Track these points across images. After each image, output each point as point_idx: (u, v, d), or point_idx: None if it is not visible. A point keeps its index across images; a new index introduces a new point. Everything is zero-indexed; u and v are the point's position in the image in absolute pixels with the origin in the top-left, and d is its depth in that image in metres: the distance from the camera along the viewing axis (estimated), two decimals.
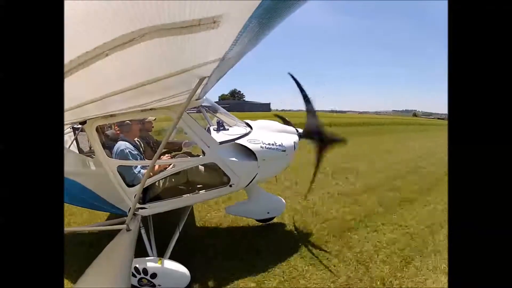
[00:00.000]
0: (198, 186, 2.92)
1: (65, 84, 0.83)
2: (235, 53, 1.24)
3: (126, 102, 1.94)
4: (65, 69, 0.84)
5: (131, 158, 2.66)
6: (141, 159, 2.76)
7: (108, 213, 3.85)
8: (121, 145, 2.70)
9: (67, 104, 1.30)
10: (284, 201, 3.87)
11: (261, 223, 3.85)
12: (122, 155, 2.65)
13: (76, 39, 0.74)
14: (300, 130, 3.42)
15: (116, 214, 3.01)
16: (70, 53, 0.79)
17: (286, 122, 3.67)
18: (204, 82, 1.67)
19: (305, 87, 3.20)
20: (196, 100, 2.85)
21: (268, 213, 3.72)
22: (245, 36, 0.95)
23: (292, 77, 3.25)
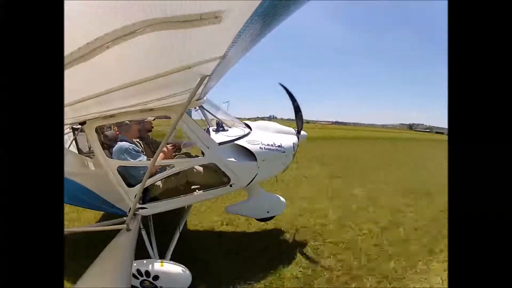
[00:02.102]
0: (198, 186, 2.92)
1: (65, 77, 0.83)
2: (236, 51, 1.24)
3: (127, 100, 1.94)
4: (66, 61, 0.84)
5: (134, 157, 2.66)
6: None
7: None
8: (124, 144, 2.70)
9: (67, 98, 1.29)
10: (284, 200, 3.88)
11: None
12: (127, 154, 2.64)
13: (77, 30, 0.74)
14: (303, 133, 3.43)
15: (116, 214, 3.02)
16: (71, 44, 0.79)
17: (297, 112, 3.48)
18: (205, 81, 1.67)
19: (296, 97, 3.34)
20: (197, 100, 2.85)
21: (268, 212, 3.72)
22: (247, 33, 0.95)
23: (284, 87, 3.38)
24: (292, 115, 3.49)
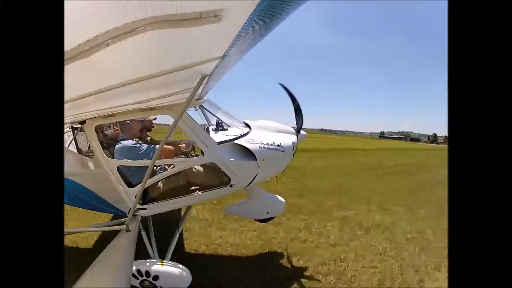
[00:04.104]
0: (198, 186, 2.92)
1: (65, 74, 0.83)
2: (236, 51, 1.24)
3: (126, 97, 1.94)
4: (66, 57, 0.84)
5: (140, 150, 2.67)
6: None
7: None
8: (128, 143, 2.70)
9: (67, 95, 1.30)
10: (283, 200, 3.87)
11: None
12: (133, 150, 2.65)
13: (77, 27, 0.74)
14: (303, 132, 3.43)
15: (116, 215, 3.02)
16: (71, 41, 0.79)
17: (297, 112, 3.49)
18: (205, 80, 1.67)
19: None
20: (197, 100, 2.85)
21: (267, 213, 3.72)
22: (246, 33, 0.95)
23: (283, 87, 3.37)
24: None
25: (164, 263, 2.58)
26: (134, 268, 2.44)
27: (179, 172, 2.77)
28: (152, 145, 2.78)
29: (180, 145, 2.87)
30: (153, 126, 3.82)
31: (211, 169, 2.85)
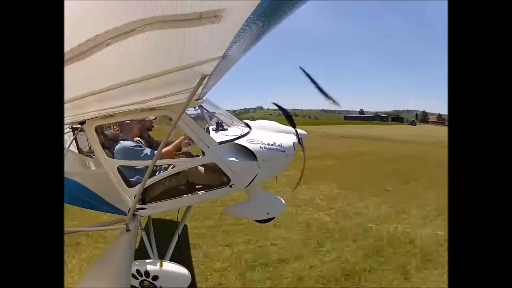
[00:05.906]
0: (198, 186, 2.92)
1: (65, 74, 0.83)
2: (236, 51, 1.24)
3: (126, 98, 1.94)
4: (65, 57, 0.84)
5: (140, 153, 2.68)
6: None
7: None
8: (127, 143, 2.70)
9: (67, 95, 1.30)
10: (283, 201, 3.86)
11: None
12: (132, 152, 2.65)
13: (77, 27, 0.74)
14: (301, 131, 3.40)
15: (116, 214, 3.01)
16: (71, 41, 0.79)
17: (288, 119, 3.53)
18: (205, 81, 1.67)
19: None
20: (197, 100, 2.85)
21: (267, 213, 3.71)
22: (247, 33, 0.95)
23: (303, 71, 3.23)
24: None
25: (164, 263, 2.58)
26: (133, 268, 2.44)
27: (179, 172, 2.76)
28: (156, 149, 2.78)
29: (181, 141, 2.85)
30: (153, 126, 3.81)
31: (211, 169, 2.84)
